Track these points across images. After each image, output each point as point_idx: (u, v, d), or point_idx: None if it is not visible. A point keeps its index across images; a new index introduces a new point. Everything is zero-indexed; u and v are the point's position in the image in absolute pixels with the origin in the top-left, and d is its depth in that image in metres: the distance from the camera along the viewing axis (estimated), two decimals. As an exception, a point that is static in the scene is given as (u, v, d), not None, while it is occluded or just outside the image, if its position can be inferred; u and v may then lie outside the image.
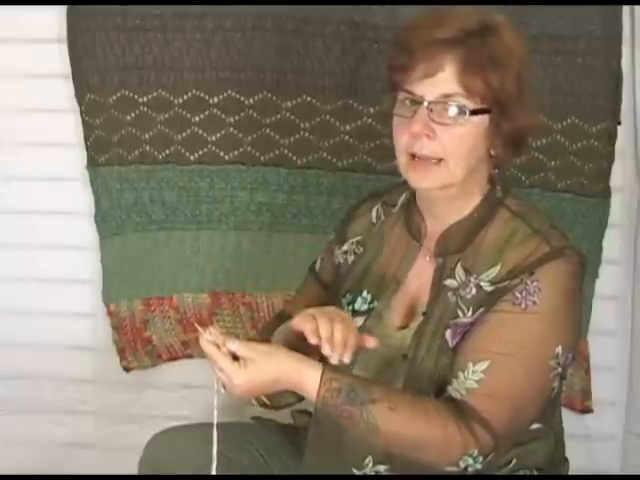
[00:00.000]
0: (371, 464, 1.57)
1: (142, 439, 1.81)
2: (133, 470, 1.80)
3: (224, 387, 1.48)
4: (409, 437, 1.48)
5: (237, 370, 1.44)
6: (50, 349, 2.40)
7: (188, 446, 1.72)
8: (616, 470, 2.32)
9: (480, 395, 1.50)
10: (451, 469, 1.49)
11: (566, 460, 1.73)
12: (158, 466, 1.75)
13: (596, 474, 2.27)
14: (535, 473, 1.63)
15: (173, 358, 2.36)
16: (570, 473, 1.75)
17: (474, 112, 1.53)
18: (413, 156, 1.56)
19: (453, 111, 1.52)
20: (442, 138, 1.53)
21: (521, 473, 1.62)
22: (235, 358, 1.45)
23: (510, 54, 1.54)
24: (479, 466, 1.49)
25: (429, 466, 1.50)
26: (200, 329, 1.47)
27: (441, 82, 1.52)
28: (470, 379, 1.51)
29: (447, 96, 1.52)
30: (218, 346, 1.45)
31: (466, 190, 1.60)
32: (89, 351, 2.40)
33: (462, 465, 1.48)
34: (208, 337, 1.46)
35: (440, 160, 1.55)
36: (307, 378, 1.47)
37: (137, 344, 2.35)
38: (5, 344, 2.40)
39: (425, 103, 1.53)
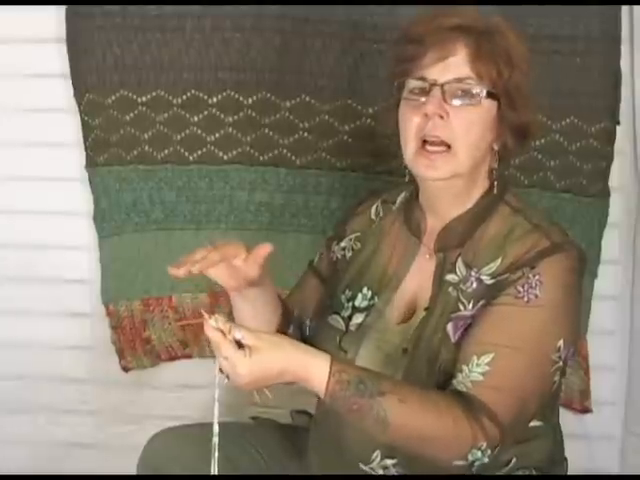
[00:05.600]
0: (379, 458, 1.57)
1: (141, 439, 1.82)
2: (132, 470, 1.81)
3: (227, 378, 1.44)
4: (419, 429, 1.47)
5: (242, 358, 1.40)
6: (49, 349, 2.39)
7: (187, 446, 1.73)
8: (615, 470, 2.32)
9: (486, 387, 1.50)
10: (459, 463, 1.48)
11: (565, 460, 1.74)
12: (157, 466, 1.76)
13: (595, 474, 2.27)
14: (534, 473, 1.63)
15: (172, 358, 2.36)
16: (569, 473, 1.75)
17: (488, 94, 1.55)
18: (423, 144, 1.57)
19: (466, 92, 1.55)
20: (453, 122, 1.55)
21: (520, 473, 1.62)
22: (240, 348, 1.41)
23: (517, 51, 1.57)
24: (486, 460, 1.48)
25: (437, 459, 1.50)
26: (205, 315, 1.43)
27: (453, 66, 1.55)
28: (475, 372, 1.51)
29: (459, 80, 1.55)
30: (223, 334, 1.42)
31: (470, 184, 1.62)
32: (88, 351, 2.40)
33: (470, 459, 1.48)
34: (213, 324, 1.42)
35: (449, 147, 1.56)
36: (314, 370, 1.45)
37: (136, 344, 2.35)
38: (4, 344, 2.40)
39: (438, 86, 1.54)
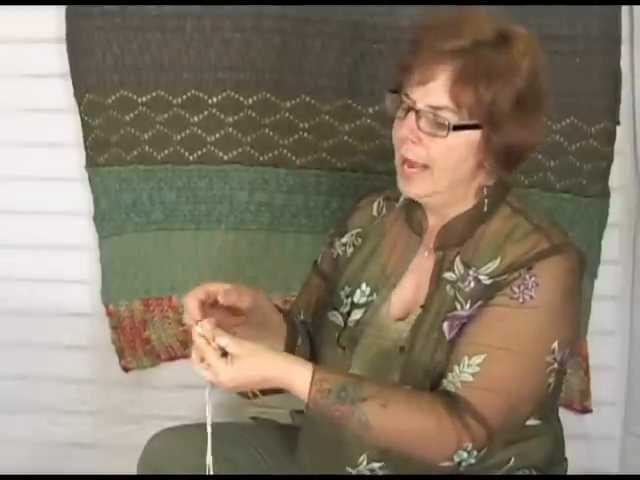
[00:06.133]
0: (365, 462, 1.58)
1: (141, 439, 1.82)
2: (133, 470, 1.81)
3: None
4: (402, 433, 1.48)
5: (224, 366, 1.44)
6: (49, 349, 2.39)
7: (187, 446, 1.72)
8: (615, 470, 2.32)
9: (475, 388, 1.50)
10: (445, 464, 1.49)
11: (565, 460, 1.74)
12: (157, 466, 1.76)
13: (595, 474, 2.28)
14: (534, 473, 1.63)
15: (172, 358, 2.36)
16: (569, 473, 1.75)
17: (457, 127, 1.53)
18: (404, 160, 1.57)
19: (436, 123, 1.52)
20: (429, 146, 1.54)
21: (520, 473, 1.62)
22: (226, 353, 1.46)
23: (514, 70, 1.53)
24: (473, 461, 1.49)
25: (424, 461, 1.50)
26: (192, 322, 1.48)
27: (432, 92, 1.53)
28: (465, 372, 1.51)
29: (436, 108, 1.53)
30: (208, 341, 1.46)
31: (457, 197, 1.61)
32: (88, 351, 2.40)
33: (456, 459, 1.48)
34: (199, 330, 1.46)
35: (425, 167, 1.56)
36: (296, 379, 1.47)
37: (136, 344, 2.35)
38: (5, 344, 2.40)
39: (414, 109, 1.54)
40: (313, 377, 1.47)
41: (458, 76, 1.51)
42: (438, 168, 1.55)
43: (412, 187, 1.59)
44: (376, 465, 1.58)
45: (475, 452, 1.48)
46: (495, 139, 1.55)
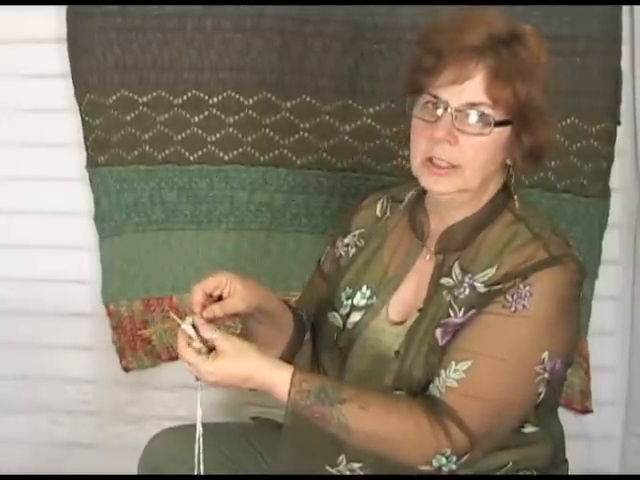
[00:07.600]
0: (344, 462, 1.57)
1: (142, 439, 1.81)
2: (133, 470, 1.80)
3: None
4: (381, 435, 1.48)
5: (204, 361, 1.47)
6: (50, 349, 2.40)
7: (187, 446, 1.72)
8: (615, 470, 2.32)
9: (458, 394, 1.50)
10: (424, 468, 1.49)
11: (565, 461, 1.73)
12: (157, 466, 1.75)
13: (595, 474, 2.27)
14: (535, 474, 1.62)
15: (172, 358, 2.35)
16: (569, 473, 1.75)
17: (498, 123, 1.52)
18: (429, 160, 1.56)
19: (478, 121, 1.52)
20: (462, 145, 1.53)
21: (521, 474, 1.61)
22: (214, 348, 1.49)
23: (537, 65, 1.54)
24: (453, 466, 1.49)
25: (403, 464, 1.50)
26: (177, 319, 1.52)
27: (468, 90, 1.51)
28: (451, 377, 1.51)
29: (473, 105, 1.52)
30: (191, 338, 1.49)
31: (477, 196, 1.61)
32: (88, 351, 2.40)
33: (435, 464, 1.48)
34: (184, 328, 1.50)
35: (454, 167, 1.54)
36: (277, 380, 1.48)
37: (136, 344, 2.35)
38: (5, 344, 2.40)
39: (450, 109, 1.52)
40: (293, 378, 1.48)
41: (495, 73, 1.50)
42: (470, 167, 1.54)
43: (440, 185, 1.57)
44: (355, 465, 1.57)
45: (454, 458, 1.48)
46: (525, 136, 1.55)
